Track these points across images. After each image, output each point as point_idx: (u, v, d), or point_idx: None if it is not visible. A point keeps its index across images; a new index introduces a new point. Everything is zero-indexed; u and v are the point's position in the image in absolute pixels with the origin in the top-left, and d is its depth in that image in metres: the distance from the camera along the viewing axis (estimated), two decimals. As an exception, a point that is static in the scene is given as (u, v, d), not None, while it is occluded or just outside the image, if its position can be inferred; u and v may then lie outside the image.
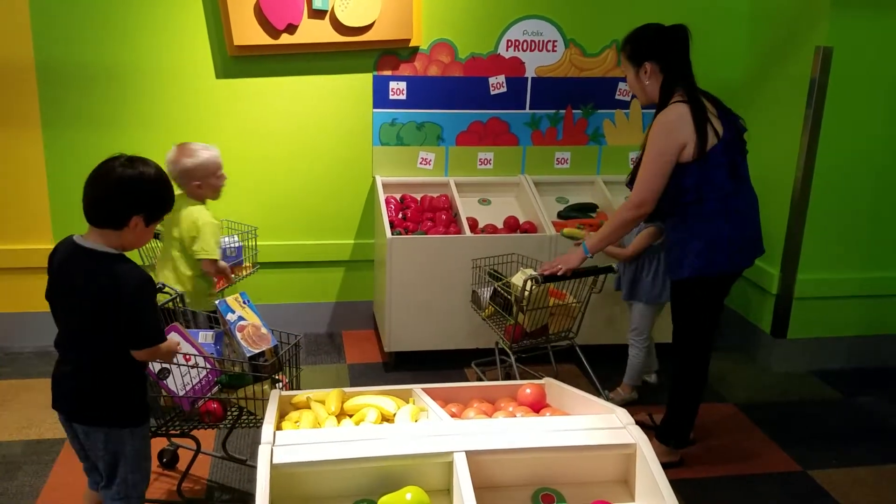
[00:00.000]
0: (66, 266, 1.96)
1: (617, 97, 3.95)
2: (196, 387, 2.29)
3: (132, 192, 1.92)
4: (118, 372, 1.99)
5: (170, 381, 2.23)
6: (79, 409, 2.01)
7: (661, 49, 2.57)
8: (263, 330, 2.36)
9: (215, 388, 2.33)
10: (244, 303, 2.42)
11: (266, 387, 2.31)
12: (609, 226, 2.74)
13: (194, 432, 2.43)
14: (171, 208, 2.05)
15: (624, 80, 3.90)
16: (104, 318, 1.91)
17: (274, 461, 1.49)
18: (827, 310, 3.66)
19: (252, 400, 2.31)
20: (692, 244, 2.58)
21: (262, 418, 2.21)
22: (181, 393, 2.25)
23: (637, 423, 1.69)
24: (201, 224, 2.76)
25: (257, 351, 2.29)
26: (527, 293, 2.90)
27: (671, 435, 2.80)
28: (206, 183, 2.81)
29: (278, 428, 1.79)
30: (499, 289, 3.09)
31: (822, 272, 3.60)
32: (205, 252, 2.76)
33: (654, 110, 2.61)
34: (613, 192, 3.87)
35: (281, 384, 2.35)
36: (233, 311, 2.38)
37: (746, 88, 3.90)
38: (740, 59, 3.93)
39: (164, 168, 2.11)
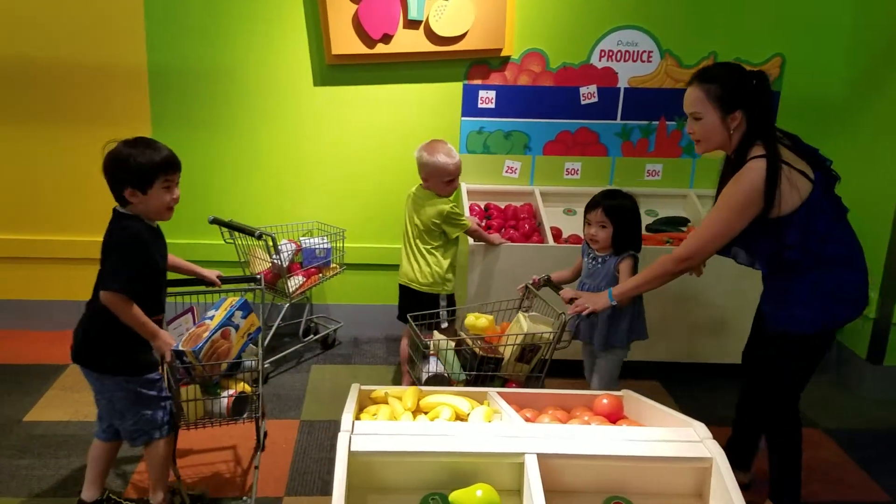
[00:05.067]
0: None
1: (712, 110, 3.87)
2: None
3: (109, 171, 2.22)
4: (110, 322, 2.22)
5: None
6: (77, 351, 2.32)
7: (755, 97, 2.29)
8: (216, 336, 2.34)
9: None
10: (238, 308, 2.42)
11: (194, 390, 2.36)
12: (645, 276, 2.48)
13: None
14: (154, 174, 2.22)
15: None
16: (103, 265, 2.23)
17: (352, 448, 1.55)
18: (929, 337, 3.46)
19: (185, 401, 2.35)
20: (811, 296, 2.31)
21: (186, 419, 2.36)
22: None
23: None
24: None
25: (181, 348, 2.28)
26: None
27: (789, 495, 2.54)
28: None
29: (357, 419, 1.85)
30: (525, 346, 2.51)
31: (926, 298, 3.41)
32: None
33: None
34: (706, 206, 3.79)
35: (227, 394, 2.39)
36: (216, 309, 2.43)
37: (845, 106, 3.75)
38: (840, 74, 3.77)
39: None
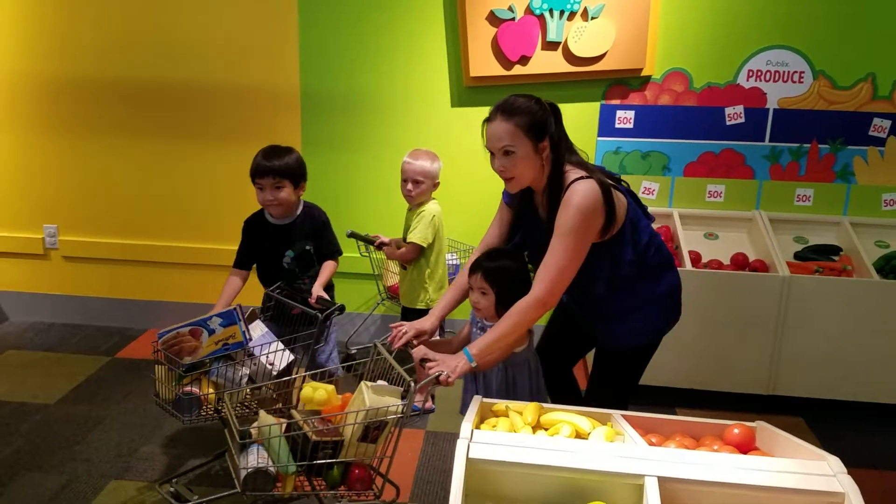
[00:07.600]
0: None
1: (871, 133, 3.62)
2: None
3: None
4: None
5: None
6: None
7: (556, 124, 2.22)
8: (183, 330, 2.48)
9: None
10: (220, 315, 2.51)
11: (165, 372, 2.52)
12: (505, 328, 2.15)
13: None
14: (252, 176, 2.78)
15: (882, 115, 3.58)
16: None
17: (470, 455, 1.58)
18: None
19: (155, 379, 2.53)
20: (646, 309, 2.34)
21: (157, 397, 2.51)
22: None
23: None
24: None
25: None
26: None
27: None
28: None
29: (476, 429, 1.88)
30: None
31: None
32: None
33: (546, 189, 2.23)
34: (861, 235, 3.54)
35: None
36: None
37: None
38: None
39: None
